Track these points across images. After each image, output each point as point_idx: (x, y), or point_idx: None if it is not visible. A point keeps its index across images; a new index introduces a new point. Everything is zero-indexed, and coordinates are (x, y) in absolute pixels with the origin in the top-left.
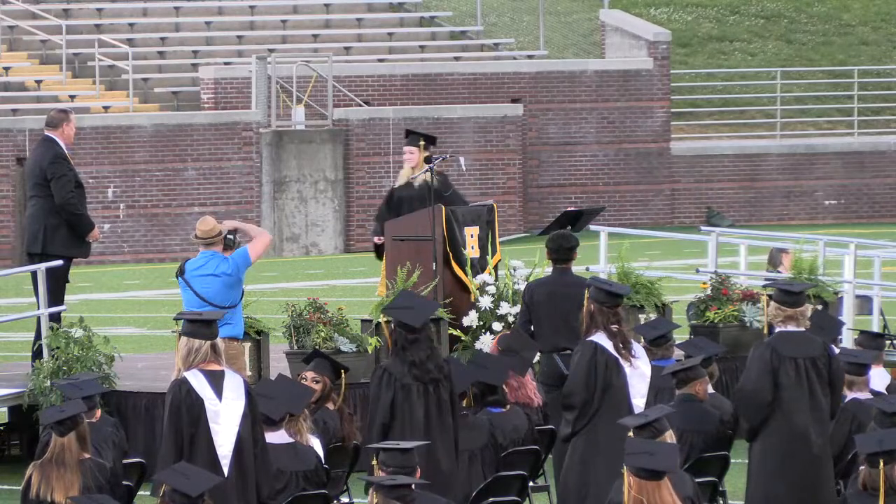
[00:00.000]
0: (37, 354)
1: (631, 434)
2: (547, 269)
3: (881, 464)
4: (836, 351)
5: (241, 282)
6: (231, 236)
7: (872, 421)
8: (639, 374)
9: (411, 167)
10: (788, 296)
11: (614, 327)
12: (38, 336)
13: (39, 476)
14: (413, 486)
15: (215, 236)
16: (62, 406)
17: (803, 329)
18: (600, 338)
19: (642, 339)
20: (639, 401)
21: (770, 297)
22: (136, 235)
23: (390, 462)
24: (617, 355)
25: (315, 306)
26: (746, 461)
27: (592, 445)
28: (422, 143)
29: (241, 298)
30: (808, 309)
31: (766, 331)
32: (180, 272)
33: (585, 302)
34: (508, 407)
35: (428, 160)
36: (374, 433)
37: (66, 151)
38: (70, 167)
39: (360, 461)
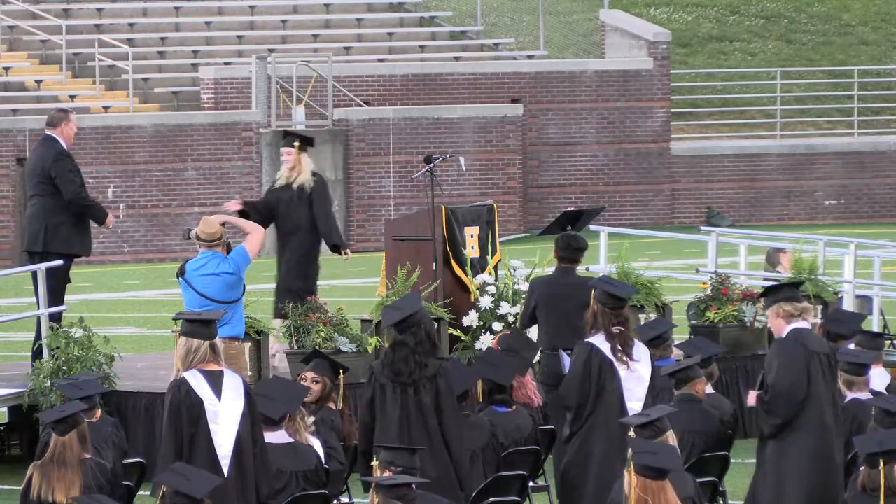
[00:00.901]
0: (37, 354)
1: (632, 433)
2: (548, 269)
3: (881, 464)
4: (851, 346)
5: (242, 280)
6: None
7: (873, 420)
8: (636, 378)
9: (289, 168)
10: (790, 290)
11: (616, 329)
12: (38, 336)
13: (40, 476)
14: (413, 486)
15: (218, 239)
16: (62, 406)
17: (809, 326)
18: (598, 339)
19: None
20: (634, 404)
21: (766, 304)
22: (136, 235)
23: (399, 462)
24: (612, 358)
25: (315, 306)
26: (744, 461)
27: (588, 447)
28: (296, 144)
29: (243, 295)
30: (811, 308)
31: (773, 330)
32: (181, 272)
33: (591, 302)
34: (514, 407)
35: (428, 160)
36: (360, 431)
37: (68, 150)
38: (74, 163)
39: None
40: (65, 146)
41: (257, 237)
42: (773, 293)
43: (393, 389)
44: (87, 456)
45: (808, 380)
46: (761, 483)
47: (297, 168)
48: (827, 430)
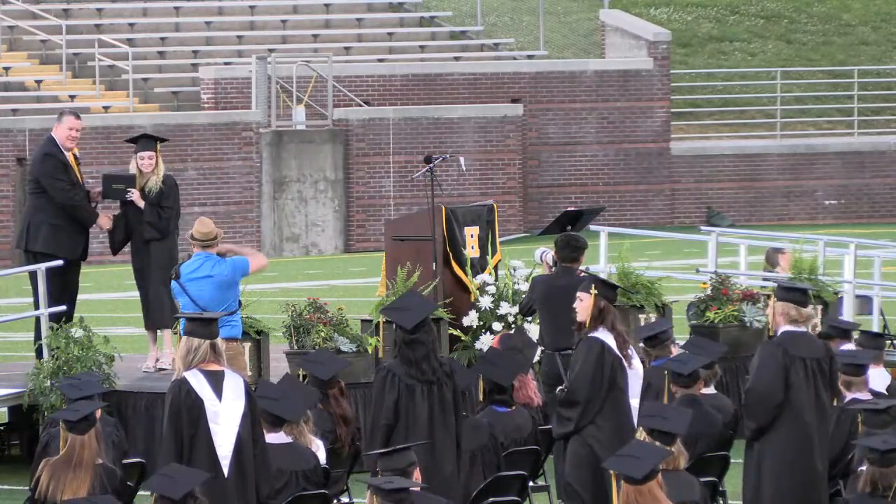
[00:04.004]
0: (38, 354)
1: (642, 436)
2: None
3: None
4: (850, 347)
5: (236, 285)
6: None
7: (862, 424)
8: (634, 374)
9: (146, 171)
10: (803, 295)
11: (620, 326)
12: (38, 336)
13: (49, 475)
14: (411, 490)
15: (213, 239)
16: (76, 405)
17: (806, 330)
18: (605, 336)
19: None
20: (633, 401)
21: (777, 297)
22: None
23: (384, 467)
24: (620, 355)
25: (315, 306)
26: (743, 460)
27: (599, 443)
28: (158, 145)
29: (239, 308)
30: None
31: (772, 331)
32: (175, 276)
33: (592, 299)
34: (514, 407)
35: (428, 160)
36: (378, 434)
37: (64, 149)
38: (57, 162)
39: (359, 461)
40: (60, 146)
41: (260, 260)
42: (787, 291)
43: (421, 389)
44: (101, 461)
45: (787, 385)
46: (745, 485)
47: (155, 171)
48: (806, 434)
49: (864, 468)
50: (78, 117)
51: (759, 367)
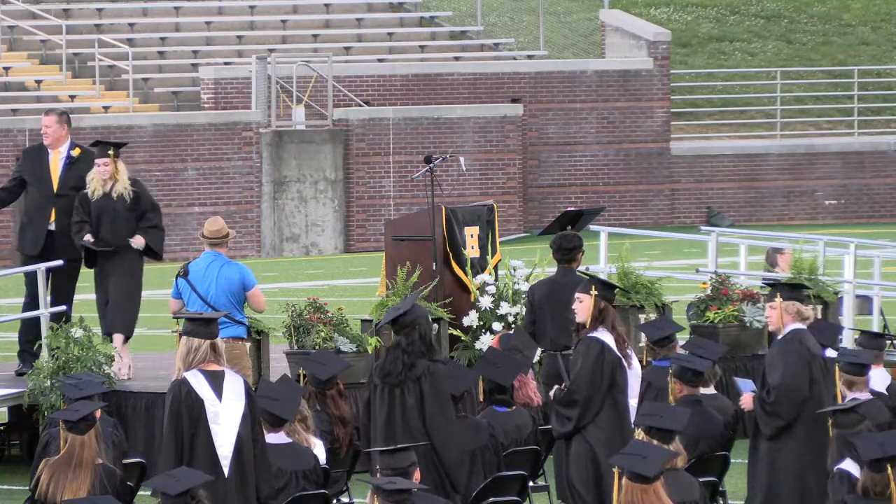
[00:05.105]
0: (24, 349)
1: (641, 435)
2: (548, 269)
3: (889, 468)
4: (834, 354)
5: (242, 291)
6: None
7: (835, 426)
8: (634, 374)
9: (105, 178)
10: (805, 294)
11: (620, 326)
12: (21, 335)
13: (49, 475)
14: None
15: (223, 237)
16: (76, 405)
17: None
18: (605, 336)
19: (644, 339)
20: (632, 400)
21: (783, 296)
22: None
23: (384, 466)
24: (620, 355)
25: (315, 306)
26: (744, 461)
27: (599, 442)
28: (111, 152)
29: (243, 309)
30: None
31: (781, 330)
32: (184, 273)
33: (592, 299)
34: (514, 407)
35: (428, 160)
36: (360, 431)
37: (46, 148)
38: (20, 157)
39: (360, 461)
40: (41, 146)
41: (262, 299)
42: (794, 290)
43: (382, 390)
44: (101, 461)
45: (811, 381)
46: (754, 482)
47: (117, 176)
48: (826, 429)
49: (840, 467)
50: (46, 114)
51: (785, 363)
